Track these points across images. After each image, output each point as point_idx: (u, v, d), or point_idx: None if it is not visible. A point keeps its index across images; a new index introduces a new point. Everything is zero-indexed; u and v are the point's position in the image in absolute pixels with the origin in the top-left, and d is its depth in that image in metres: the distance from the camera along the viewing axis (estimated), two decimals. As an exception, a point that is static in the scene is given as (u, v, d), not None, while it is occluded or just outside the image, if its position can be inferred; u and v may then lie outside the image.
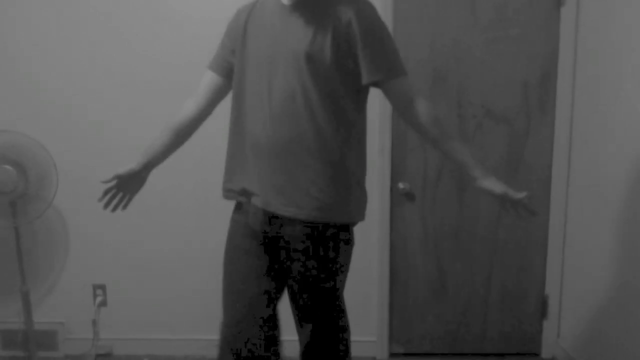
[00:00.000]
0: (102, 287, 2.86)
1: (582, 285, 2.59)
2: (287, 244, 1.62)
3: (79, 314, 2.88)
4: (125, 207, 1.81)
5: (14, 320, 2.83)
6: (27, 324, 2.70)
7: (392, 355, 2.90)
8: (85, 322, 2.88)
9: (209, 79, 1.76)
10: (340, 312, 1.72)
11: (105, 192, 1.77)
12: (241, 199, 1.69)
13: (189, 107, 1.77)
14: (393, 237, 2.79)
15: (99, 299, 2.86)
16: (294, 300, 1.70)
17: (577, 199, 2.63)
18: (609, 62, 2.33)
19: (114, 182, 1.76)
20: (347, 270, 1.70)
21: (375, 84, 1.59)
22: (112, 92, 2.73)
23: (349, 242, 1.68)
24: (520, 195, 1.59)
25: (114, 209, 1.78)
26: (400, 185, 2.73)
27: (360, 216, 1.69)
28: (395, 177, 2.74)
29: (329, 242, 1.61)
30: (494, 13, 2.62)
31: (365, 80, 1.57)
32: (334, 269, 1.64)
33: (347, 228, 1.65)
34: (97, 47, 2.70)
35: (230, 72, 1.71)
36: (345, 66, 1.55)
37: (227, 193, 1.74)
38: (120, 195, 1.79)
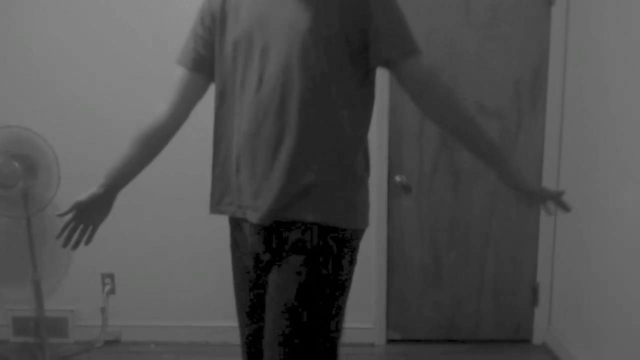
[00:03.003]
0: (111, 276, 2.93)
1: (572, 274, 2.65)
2: (285, 254, 1.38)
3: (88, 301, 2.94)
4: (88, 241, 1.49)
5: (26, 308, 2.88)
6: (38, 311, 2.74)
7: (389, 341, 2.96)
8: (95, 309, 2.95)
9: (179, 76, 1.47)
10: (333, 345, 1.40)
11: (64, 227, 1.45)
12: (238, 213, 1.43)
13: (159, 112, 1.48)
14: (390, 228, 2.87)
15: (107, 287, 2.93)
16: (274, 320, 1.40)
17: (567, 192, 2.68)
18: (598, 60, 2.39)
19: (73, 213, 1.45)
20: (348, 290, 1.45)
21: (389, 65, 1.36)
22: (120, 86, 2.76)
23: (355, 250, 1.47)
24: (559, 191, 1.47)
25: (75, 246, 1.46)
26: (397, 178, 2.81)
27: (366, 222, 1.49)
28: (392, 170, 2.82)
29: (333, 250, 1.38)
30: (487, 12, 2.70)
31: (382, 57, 1.34)
32: (338, 283, 1.40)
33: (354, 235, 1.45)
34: (106, 42, 2.73)
35: (203, 66, 1.45)
36: (354, 44, 1.32)
37: (217, 207, 1.48)
38: (81, 227, 1.47)
